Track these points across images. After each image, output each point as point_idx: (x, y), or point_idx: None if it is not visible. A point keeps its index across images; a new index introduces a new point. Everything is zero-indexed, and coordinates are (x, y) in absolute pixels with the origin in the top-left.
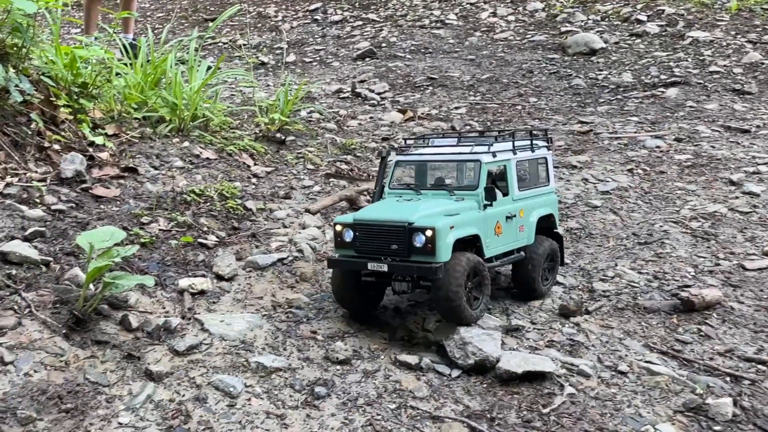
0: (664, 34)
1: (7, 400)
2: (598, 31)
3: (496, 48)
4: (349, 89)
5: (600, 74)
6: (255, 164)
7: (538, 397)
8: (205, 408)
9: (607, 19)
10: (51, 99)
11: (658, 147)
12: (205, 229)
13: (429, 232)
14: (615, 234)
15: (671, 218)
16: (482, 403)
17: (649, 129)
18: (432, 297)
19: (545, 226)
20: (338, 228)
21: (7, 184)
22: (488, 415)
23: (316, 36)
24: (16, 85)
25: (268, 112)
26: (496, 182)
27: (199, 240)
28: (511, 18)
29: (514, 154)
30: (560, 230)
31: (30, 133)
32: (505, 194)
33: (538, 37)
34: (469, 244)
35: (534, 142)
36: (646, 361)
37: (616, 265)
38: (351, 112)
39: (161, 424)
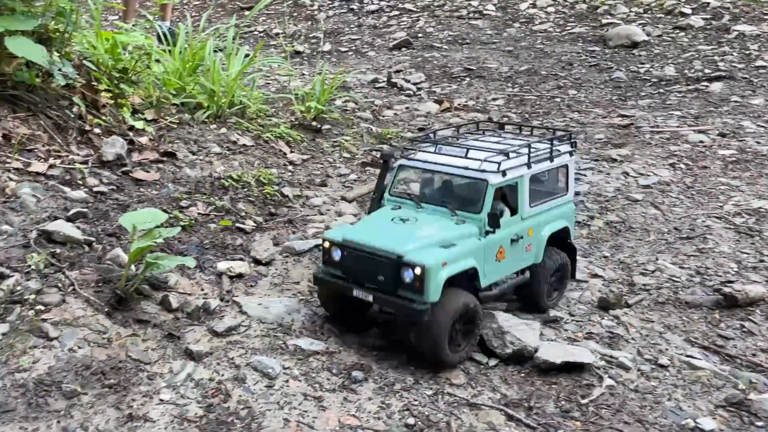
0: (708, 27)
1: (52, 374)
2: (640, 24)
3: (535, 39)
4: (385, 79)
5: (642, 67)
6: (291, 152)
7: (576, 387)
8: (244, 388)
9: (649, 12)
10: (92, 83)
11: (701, 142)
12: (243, 214)
13: (418, 270)
14: (656, 228)
15: (714, 213)
16: (519, 392)
17: (692, 123)
18: (414, 334)
19: (558, 236)
20: (326, 245)
21: (51, 166)
22: (526, 404)
23: (352, 26)
24: (60, 69)
25: (305, 101)
26: (506, 198)
27: (237, 225)
28: (551, 9)
29: (529, 168)
30: (574, 241)
31: (72, 116)
32: (514, 212)
33: (578, 29)
34: (465, 273)
35: (555, 147)
36: (687, 356)
37: (657, 259)
38: (386, 102)
39: (201, 402)
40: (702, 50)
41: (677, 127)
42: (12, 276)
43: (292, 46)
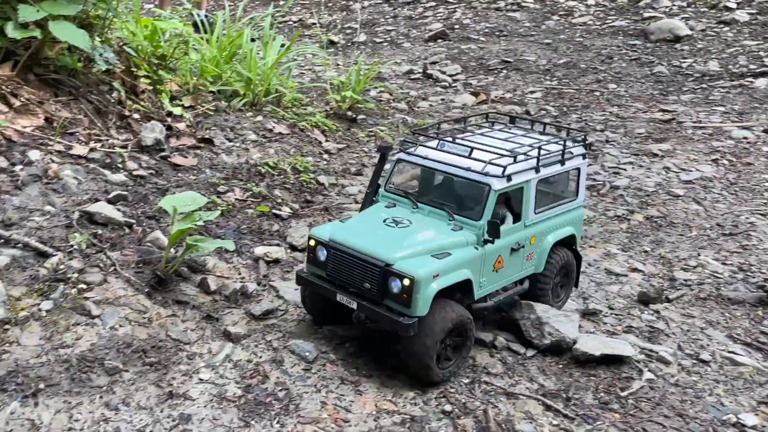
0: (754, 22)
1: (94, 350)
2: (683, 18)
3: (575, 32)
4: (420, 70)
5: (684, 62)
6: (326, 140)
7: (615, 380)
8: (282, 370)
9: (693, 6)
10: (132, 69)
11: (745, 138)
12: (279, 200)
13: (407, 281)
14: (698, 224)
15: (758, 210)
16: (557, 382)
17: (736, 119)
18: (400, 348)
19: (563, 243)
20: (312, 243)
21: (91, 149)
22: (564, 395)
23: (387, 16)
24: (101, 54)
25: (340, 91)
26: (510, 202)
27: (274, 211)
28: (591, 2)
29: (537, 172)
30: (580, 249)
31: (112, 101)
32: (517, 219)
33: (618, 22)
34: (458, 283)
35: (567, 149)
36: (729, 352)
37: (699, 255)
38: (422, 93)
39: (240, 382)
40: (747, 45)
41: (720, 122)
42: (55, 255)
43: (327, 37)
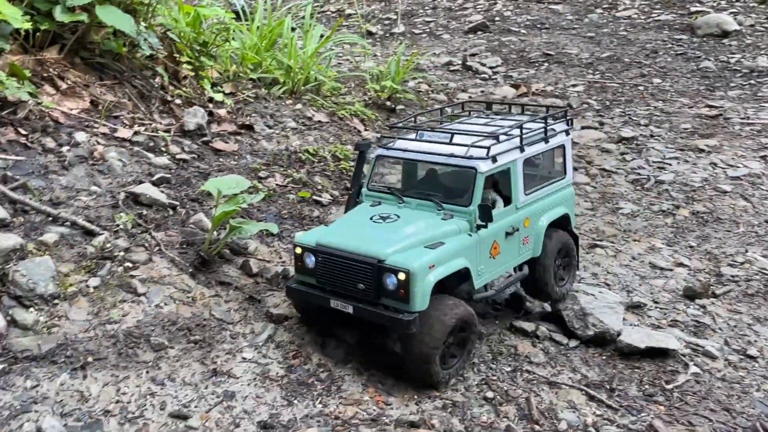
0: None
1: (140, 327)
2: (731, 13)
3: (618, 26)
4: (460, 62)
5: (732, 57)
6: (365, 129)
7: (660, 373)
8: (324, 353)
9: (741, 0)
10: (174, 55)
11: None
12: (320, 187)
13: (402, 275)
14: (746, 220)
15: None
16: (601, 373)
17: None
18: (402, 349)
19: (558, 224)
20: (298, 251)
21: (135, 132)
22: (607, 386)
23: (426, 8)
24: (145, 39)
25: (379, 80)
26: (498, 186)
27: (314, 197)
28: None
29: (522, 151)
30: (575, 230)
31: (155, 86)
32: (507, 202)
33: (664, 16)
34: (457, 274)
35: (550, 126)
36: None
37: (747, 251)
38: (461, 85)
39: (282, 362)
40: None
41: None
42: (102, 234)
43: (365, 27)
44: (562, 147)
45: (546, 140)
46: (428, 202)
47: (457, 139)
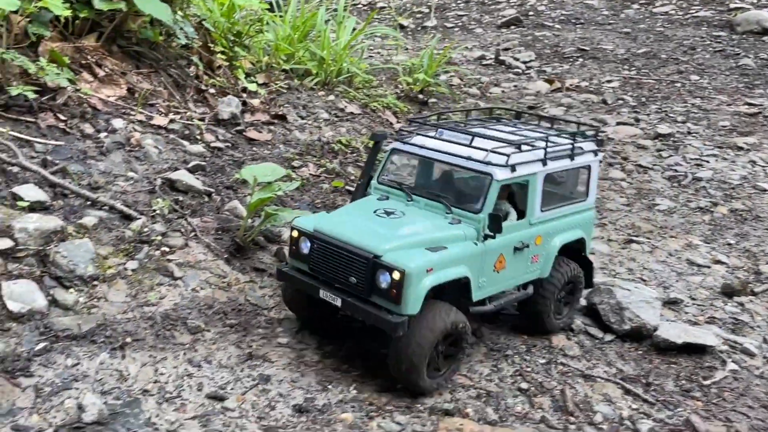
0: None
1: (177, 310)
2: None
3: (655, 22)
4: (493, 56)
5: None
6: (398, 122)
7: (697, 369)
8: (357, 340)
9: None
10: (209, 45)
11: None
12: (352, 177)
13: (397, 275)
14: None
15: None
16: (636, 368)
17: None
18: (390, 350)
19: (572, 248)
20: (295, 234)
21: (171, 120)
22: (643, 380)
23: (459, 1)
24: (181, 28)
25: (411, 73)
26: (514, 197)
27: (347, 187)
28: None
29: (544, 164)
30: (590, 255)
31: (190, 75)
32: (521, 216)
33: (703, 12)
34: (455, 282)
35: (577, 144)
36: None
37: None
38: (494, 79)
39: (317, 348)
40: None
41: None
42: (139, 218)
43: (398, 20)
44: (588, 167)
45: (571, 158)
46: (438, 203)
47: (477, 142)
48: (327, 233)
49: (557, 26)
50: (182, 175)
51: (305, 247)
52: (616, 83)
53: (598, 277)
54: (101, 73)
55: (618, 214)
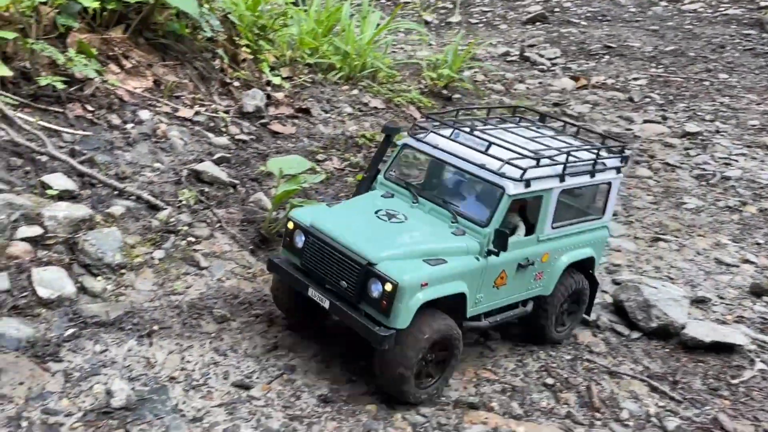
0: None
1: (203, 299)
2: None
3: (684, 19)
4: (517, 53)
5: None
6: (421, 117)
7: (725, 368)
8: None
9: None
10: (234, 38)
11: None
12: None
13: (389, 286)
14: None
15: None
16: (663, 366)
17: None
18: (374, 363)
19: (580, 266)
20: (290, 225)
21: (196, 113)
22: (670, 378)
23: None
24: (207, 21)
25: (436, 68)
26: (524, 211)
27: None
28: None
29: (562, 180)
30: (598, 274)
31: (215, 68)
32: (530, 231)
33: (732, 10)
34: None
35: (600, 160)
36: None
37: None
38: (518, 75)
39: (342, 341)
40: None
41: None
42: (166, 208)
43: (423, 15)
44: (609, 184)
45: (592, 174)
46: (444, 210)
47: (494, 150)
48: (323, 230)
49: (583, 23)
50: (208, 167)
51: (299, 240)
52: (643, 81)
53: (625, 275)
54: (128, 64)
55: (645, 212)
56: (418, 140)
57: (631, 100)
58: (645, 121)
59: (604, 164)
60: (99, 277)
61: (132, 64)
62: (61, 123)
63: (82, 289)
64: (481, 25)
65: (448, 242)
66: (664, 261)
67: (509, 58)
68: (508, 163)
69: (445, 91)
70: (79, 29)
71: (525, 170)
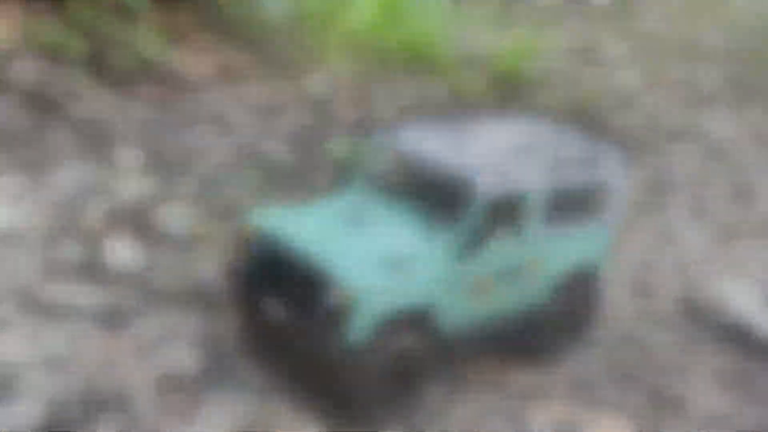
0: None
1: None
2: None
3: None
4: (590, 47)
5: None
6: (482, 108)
7: None
8: None
9: None
10: (299, 23)
11: None
12: None
13: (345, 297)
14: None
15: None
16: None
17: None
18: (333, 374)
19: (579, 275)
20: (248, 231)
21: (260, 95)
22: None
23: None
24: (273, 5)
25: (501, 59)
26: (510, 212)
27: None
28: None
29: (546, 180)
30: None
31: (279, 52)
32: (514, 235)
33: None
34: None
35: (597, 162)
36: None
37: None
38: (588, 70)
39: None
40: None
41: None
42: (233, 189)
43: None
44: (607, 186)
45: (586, 174)
46: (416, 211)
47: (474, 148)
48: (281, 234)
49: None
50: (272, 148)
51: (257, 244)
52: (716, 77)
53: (695, 273)
54: (195, 46)
55: (719, 209)
56: (393, 137)
57: (703, 99)
58: (716, 120)
59: (600, 166)
60: (168, 251)
61: (199, 47)
62: (131, 102)
63: (152, 261)
64: (549, 16)
65: (418, 246)
66: (740, 259)
67: (581, 53)
68: (487, 162)
69: (512, 83)
70: (148, 11)
71: (503, 168)
